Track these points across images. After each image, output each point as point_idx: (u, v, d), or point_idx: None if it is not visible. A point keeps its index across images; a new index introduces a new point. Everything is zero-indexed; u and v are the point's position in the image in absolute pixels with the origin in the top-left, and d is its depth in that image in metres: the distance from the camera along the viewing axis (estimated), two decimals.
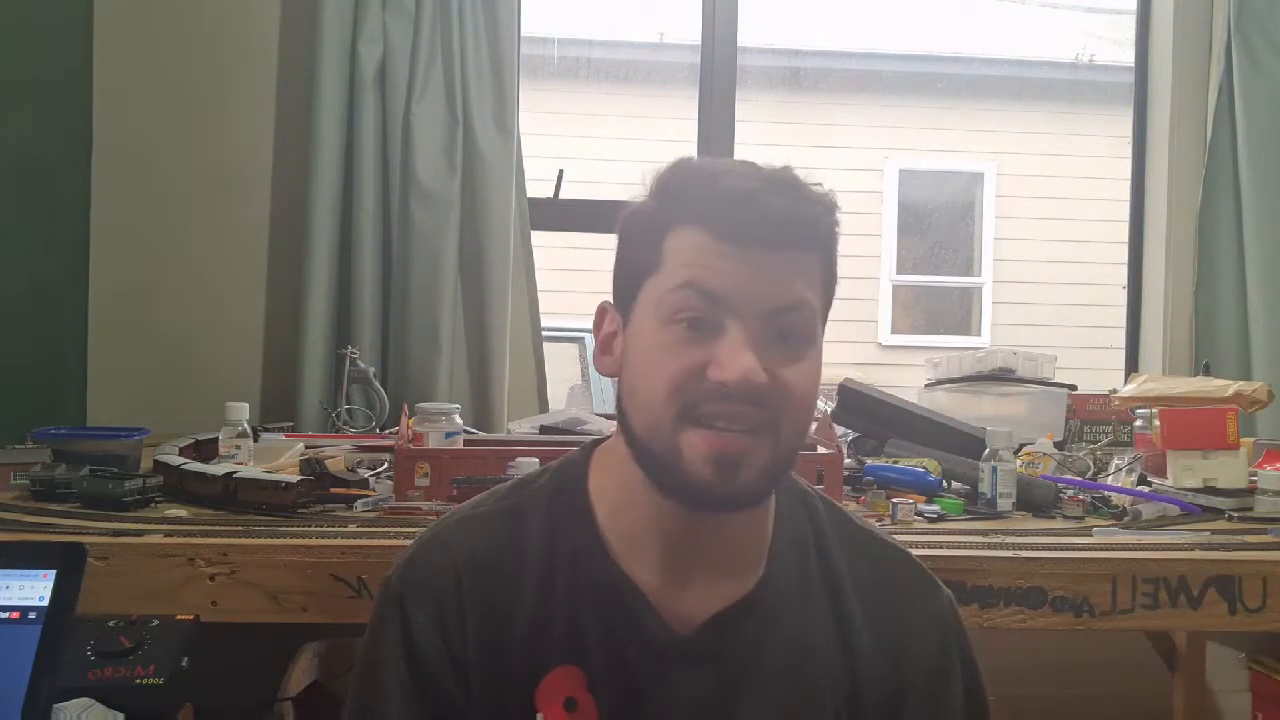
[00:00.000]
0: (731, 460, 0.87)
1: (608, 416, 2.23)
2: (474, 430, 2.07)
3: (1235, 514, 1.62)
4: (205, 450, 1.79)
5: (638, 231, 0.93)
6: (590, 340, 1.00)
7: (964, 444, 1.81)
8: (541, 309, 2.43)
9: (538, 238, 2.41)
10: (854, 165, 5.38)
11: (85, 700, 1.06)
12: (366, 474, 1.68)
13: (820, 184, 0.92)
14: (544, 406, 2.41)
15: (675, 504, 0.91)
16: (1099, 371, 3.07)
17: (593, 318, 0.98)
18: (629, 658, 0.93)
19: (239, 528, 1.40)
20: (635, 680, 0.93)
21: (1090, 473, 1.82)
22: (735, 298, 0.87)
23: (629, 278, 0.93)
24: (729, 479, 0.87)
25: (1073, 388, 2.13)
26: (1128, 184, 2.70)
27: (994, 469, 1.60)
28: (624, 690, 0.93)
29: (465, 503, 1.03)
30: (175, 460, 1.58)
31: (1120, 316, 2.75)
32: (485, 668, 0.93)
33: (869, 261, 5.53)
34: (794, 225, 0.89)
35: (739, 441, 0.87)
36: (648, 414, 0.89)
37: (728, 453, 0.87)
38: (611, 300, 0.97)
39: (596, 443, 1.01)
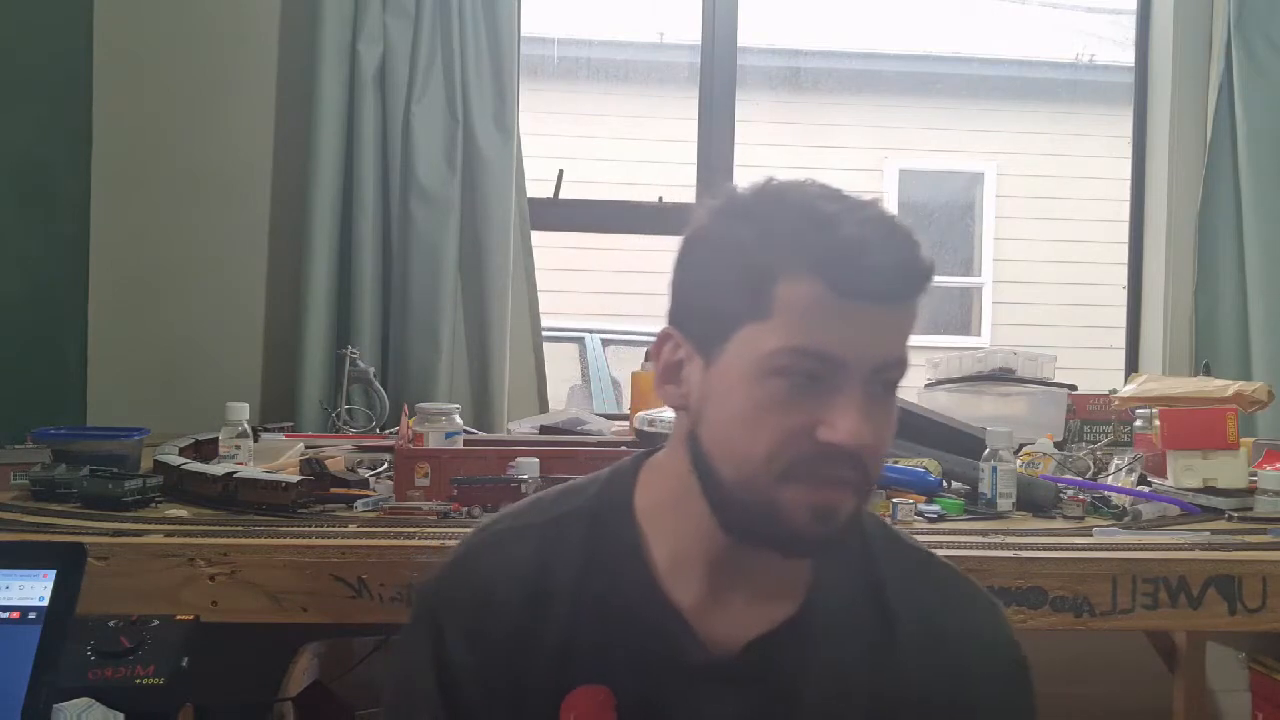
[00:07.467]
0: (830, 511, 0.86)
1: (608, 416, 2.24)
2: (474, 430, 2.08)
3: (1235, 514, 1.62)
4: (205, 450, 1.79)
5: (734, 267, 0.87)
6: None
7: (964, 444, 1.81)
8: (541, 309, 2.43)
9: (538, 238, 2.41)
10: (854, 165, 5.36)
11: (85, 700, 1.06)
12: (366, 474, 1.68)
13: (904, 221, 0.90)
14: (544, 406, 2.42)
15: (735, 540, 0.90)
16: (1099, 371, 3.06)
17: (653, 342, 0.93)
18: (660, 678, 0.91)
19: (239, 528, 1.40)
20: (664, 700, 0.91)
21: (1090, 473, 1.81)
22: (850, 358, 0.85)
23: (721, 315, 0.87)
24: (825, 529, 0.86)
25: (1073, 388, 2.13)
26: (1128, 184, 2.70)
27: (994, 469, 1.60)
28: (652, 711, 0.91)
29: (511, 509, 1.01)
30: (175, 460, 1.58)
31: (1120, 316, 2.75)
32: (511, 680, 0.92)
33: None
34: (910, 278, 0.87)
35: (837, 494, 0.86)
36: (743, 469, 0.86)
37: (828, 505, 0.86)
38: (674, 324, 0.91)
39: (647, 454, 0.99)
